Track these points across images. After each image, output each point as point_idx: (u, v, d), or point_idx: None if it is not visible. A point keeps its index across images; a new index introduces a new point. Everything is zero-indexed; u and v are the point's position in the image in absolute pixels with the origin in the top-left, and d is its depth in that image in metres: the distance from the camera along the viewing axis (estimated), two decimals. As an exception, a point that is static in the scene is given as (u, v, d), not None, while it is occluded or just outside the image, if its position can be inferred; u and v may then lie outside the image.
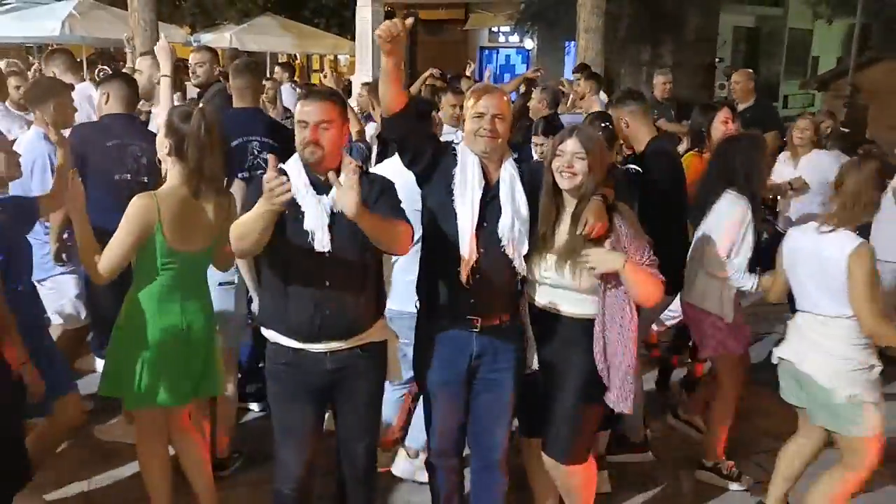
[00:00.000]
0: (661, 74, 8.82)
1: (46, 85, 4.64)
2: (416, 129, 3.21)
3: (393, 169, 3.52)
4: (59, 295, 4.37)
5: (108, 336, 3.89)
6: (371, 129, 6.18)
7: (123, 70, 7.66)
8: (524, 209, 3.07)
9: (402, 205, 3.00)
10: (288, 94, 9.74)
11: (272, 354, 3.04)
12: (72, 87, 4.70)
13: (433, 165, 3.17)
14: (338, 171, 2.69)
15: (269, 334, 3.02)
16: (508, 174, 3.09)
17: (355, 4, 13.01)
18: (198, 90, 5.53)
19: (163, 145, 3.21)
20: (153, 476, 3.41)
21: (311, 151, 2.82)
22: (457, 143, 3.32)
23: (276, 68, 11.29)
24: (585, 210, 3.00)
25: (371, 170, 3.85)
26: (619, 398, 3.14)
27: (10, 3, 17.65)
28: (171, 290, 3.22)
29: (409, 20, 2.91)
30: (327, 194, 2.81)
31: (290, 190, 2.51)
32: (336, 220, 2.82)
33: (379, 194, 2.93)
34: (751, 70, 8.57)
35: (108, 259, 3.08)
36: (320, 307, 2.88)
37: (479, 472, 3.38)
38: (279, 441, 3.12)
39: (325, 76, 6.47)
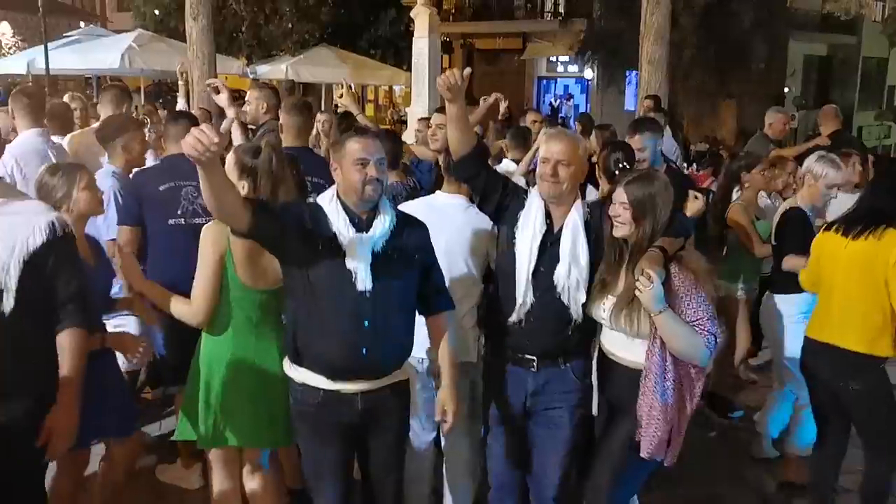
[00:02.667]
0: (779, 112, 8.38)
1: (116, 123, 4.69)
2: (484, 172, 3.34)
3: (425, 206, 3.72)
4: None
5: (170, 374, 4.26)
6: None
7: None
8: (584, 257, 3.13)
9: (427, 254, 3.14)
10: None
11: (301, 395, 3.02)
12: (142, 125, 4.89)
13: (502, 207, 3.30)
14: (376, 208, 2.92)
15: (298, 374, 3.00)
16: (573, 220, 3.16)
17: (412, 35, 13.09)
18: (251, 127, 5.63)
19: (239, 186, 3.17)
20: None
21: (374, 189, 2.86)
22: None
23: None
24: (642, 259, 3.00)
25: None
26: (652, 447, 3.09)
27: (72, 36, 18.60)
28: (245, 330, 3.22)
29: (468, 70, 3.08)
30: (367, 231, 2.87)
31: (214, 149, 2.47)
32: (379, 260, 2.87)
33: (415, 249, 3.05)
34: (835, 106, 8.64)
35: (199, 298, 3.13)
36: (357, 347, 2.90)
37: None
38: (313, 485, 3.16)
39: (339, 96, 6.42)
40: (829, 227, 3.87)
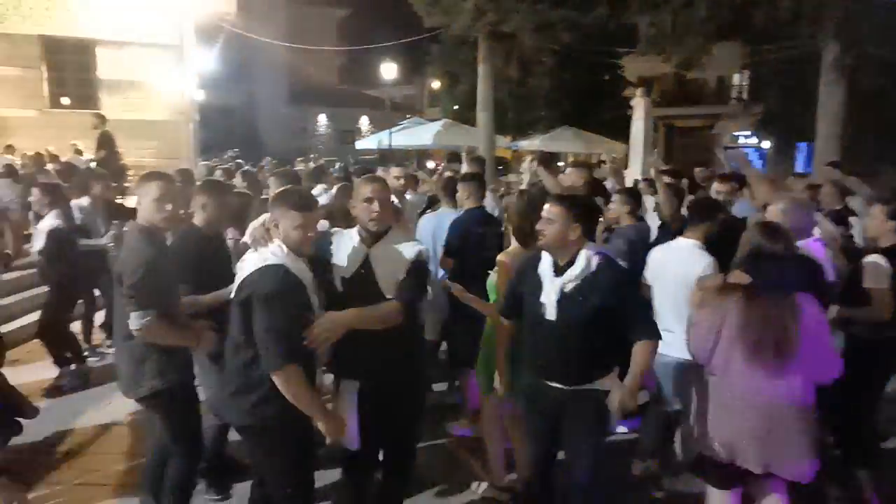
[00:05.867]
0: None
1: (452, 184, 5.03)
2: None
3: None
4: None
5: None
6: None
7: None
8: None
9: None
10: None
11: (526, 378, 3.12)
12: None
13: None
14: (572, 259, 2.82)
15: (526, 363, 3.11)
16: None
17: (628, 118, 12.84)
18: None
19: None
20: (495, 444, 3.68)
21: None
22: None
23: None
24: None
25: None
26: None
27: (403, 124, 20.96)
28: None
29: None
30: (561, 275, 2.85)
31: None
32: (563, 297, 2.82)
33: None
34: None
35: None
36: (550, 359, 2.91)
37: None
38: (525, 442, 3.26)
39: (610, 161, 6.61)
40: None
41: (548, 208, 2.87)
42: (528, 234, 3.31)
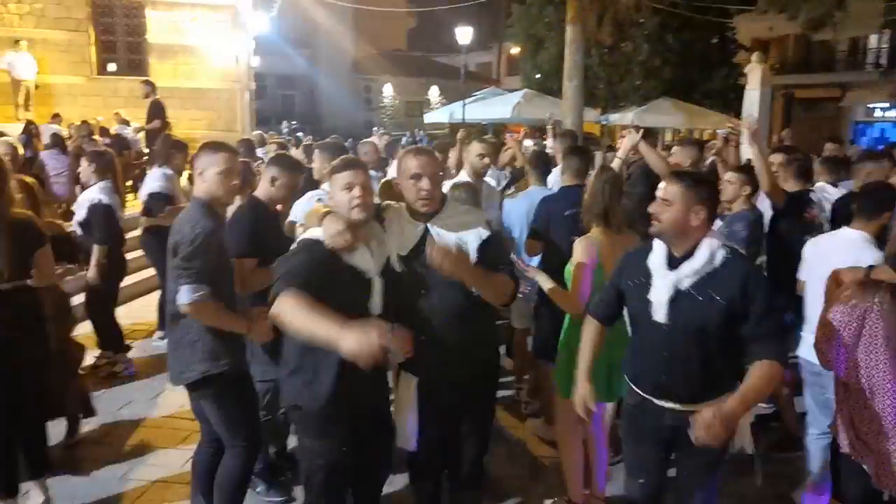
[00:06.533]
0: None
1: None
2: None
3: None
4: None
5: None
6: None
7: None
8: None
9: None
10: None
11: (628, 393, 2.81)
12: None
13: None
14: (691, 249, 2.49)
15: (628, 374, 2.81)
16: None
17: (741, 88, 12.88)
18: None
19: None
20: (571, 454, 3.59)
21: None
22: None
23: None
24: None
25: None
26: None
27: (477, 95, 21.31)
28: None
29: None
30: (676, 269, 2.52)
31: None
32: (678, 295, 2.50)
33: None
34: None
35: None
36: (659, 371, 2.61)
37: None
38: (626, 476, 2.90)
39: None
40: None
41: (664, 187, 2.55)
42: (611, 216, 3.28)
